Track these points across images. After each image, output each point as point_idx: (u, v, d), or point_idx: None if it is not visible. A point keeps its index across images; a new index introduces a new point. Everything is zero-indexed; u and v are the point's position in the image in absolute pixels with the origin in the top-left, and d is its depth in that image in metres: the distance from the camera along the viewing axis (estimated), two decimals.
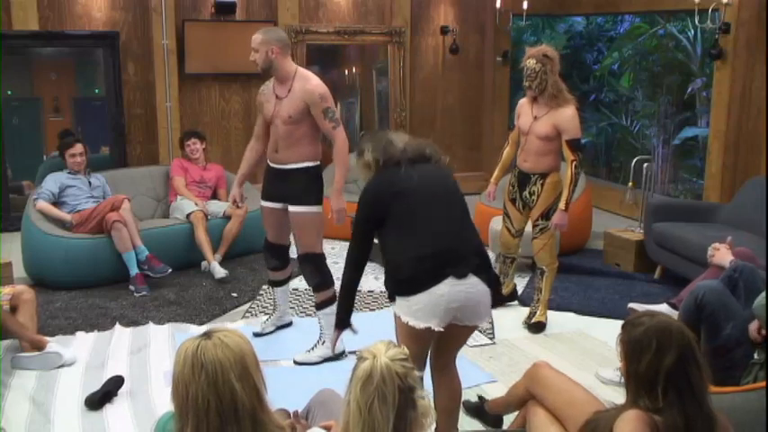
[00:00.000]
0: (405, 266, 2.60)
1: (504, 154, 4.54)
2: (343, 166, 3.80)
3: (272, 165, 3.93)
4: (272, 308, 4.66)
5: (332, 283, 3.93)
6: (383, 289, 5.05)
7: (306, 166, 3.84)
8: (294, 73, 3.82)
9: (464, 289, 2.57)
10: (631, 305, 3.80)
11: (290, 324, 4.40)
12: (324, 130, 3.80)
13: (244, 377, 1.73)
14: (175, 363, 1.77)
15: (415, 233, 2.62)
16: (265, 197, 4.00)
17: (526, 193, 4.27)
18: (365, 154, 2.79)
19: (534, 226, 4.28)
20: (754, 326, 3.01)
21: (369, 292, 5.04)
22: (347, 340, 3.79)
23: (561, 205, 4.12)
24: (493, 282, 2.71)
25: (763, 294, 2.97)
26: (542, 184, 4.19)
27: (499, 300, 2.72)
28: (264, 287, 5.07)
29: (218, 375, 1.71)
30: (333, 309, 3.49)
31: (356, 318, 4.47)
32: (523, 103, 4.29)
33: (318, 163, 3.90)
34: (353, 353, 3.33)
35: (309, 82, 3.78)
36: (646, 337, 1.99)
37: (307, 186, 3.86)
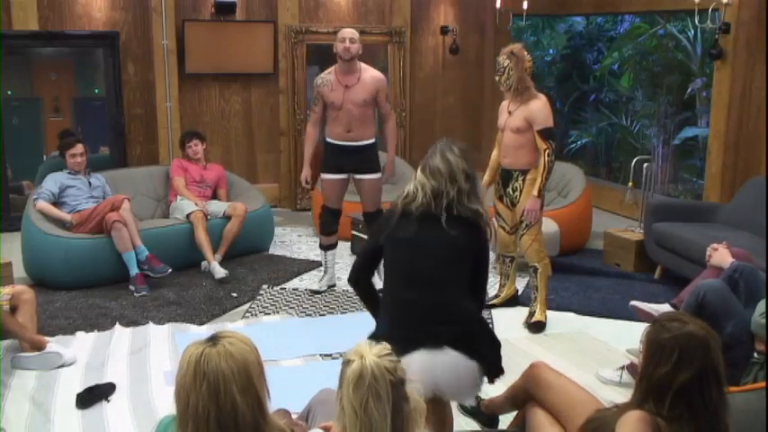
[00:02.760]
0: (381, 325, 2.62)
1: (492, 157, 4.63)
2: (395, 139, 4.94)
3: (340, 143, 4.70)
4: (273, 307, 4.71)
5: None
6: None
7: (374, 141, 4.79)
8: (360, 65, 4.70)
9: (438, 361, 2.45)
10: (633, 303, 3.79)
11: (334, 285, 5.09)
12: (384, 110, 4.81)
13: (246, 388, 1.71)
14: (179, 367, 1.75)
15: (395, 288, 2.61)
16: (332, 171, 4.76)
17: (509, 189, 4.37)
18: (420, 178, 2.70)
19: (520, 222, 4.34)
20: (760, 347, 3.01)
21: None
22: (332, 342, 4.01)
23: (534, 191, 4.20)
24: (483, 353, 2.56)
25: (760, 310, 2.97)
26: (523, 180, 4.30)
27: (496, 371, 2.65)
28: (264, 287, 5.08)
29: (220, 387, 1.69)
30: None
31: (348, 318, 4.53)
32: (503, 104, 4.45)
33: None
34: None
35: (374, 72, 4.77)
36: (669, 345, 1.92)
37: (376, 157, 4.79)
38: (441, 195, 2.62)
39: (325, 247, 5.02)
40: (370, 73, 4.71)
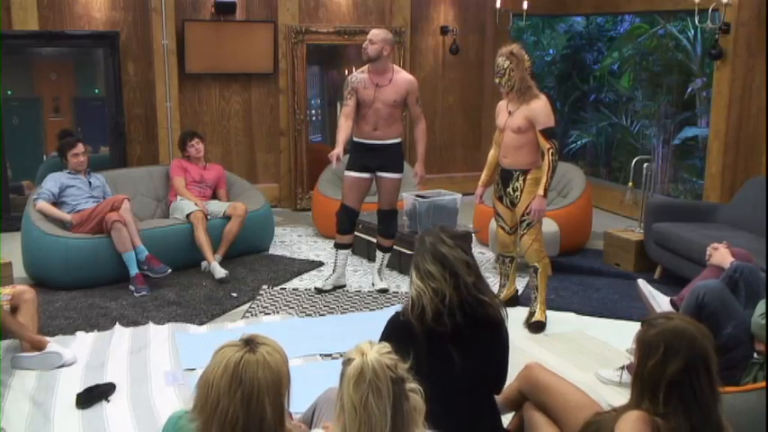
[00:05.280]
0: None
1: (490, 156, 4.63)
2: (425, 141, 4.95)
3: (367, 141, 4.79)
4: (273, 307, 4.71)
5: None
6: (370, 288, 5.04)
7: (400, 140, 4.91)
8: (392, 66, 4.79)
9: None
10: (640, 281, 3.82)
11: (344, 286, 5.08)
12: (414, 113, 4.89)
13: (276, 400, 1.73)
14: (212, 366, 1.74)
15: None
16: (357, 169, 4.83)
17: (509, 189, 4.36)
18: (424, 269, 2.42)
19: (521, 222, 4.34)
20: (759, 348, 3.02)
21: (356, 291, 5.05)
22: (332, 342, 4.03)
23: (539, 191, 4.20)
24: None
25: (760, 311, 2.97)
26: (524, 180, 4.29)
27: None
28: (264, 287, 5.08)
29: (254, 396, 1.69)
30: (388, 255, 5.11)
31: (348, 318, 4.53)
32: (501, 103, 4.45)
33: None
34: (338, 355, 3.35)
35: (406, 74, 4.87)
36: (656, 341, 1.97)
37: (400, 157, 4.90)
38: (445, 298, 2.37)
39: (338, 246, 5.02)
40: (402, 75, 4.81)
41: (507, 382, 2.81)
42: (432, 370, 2.15)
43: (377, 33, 4.69)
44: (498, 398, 2.82)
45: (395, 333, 2.44)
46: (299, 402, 2.61)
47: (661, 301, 3.67)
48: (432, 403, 1.90)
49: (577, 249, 5.96)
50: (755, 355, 3.02)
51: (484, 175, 4.66)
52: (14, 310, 3.82)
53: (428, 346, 2.33)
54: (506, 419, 2.92)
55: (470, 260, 2.46)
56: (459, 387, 2.41)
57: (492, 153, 4.60)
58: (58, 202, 5.20)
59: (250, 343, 1.76)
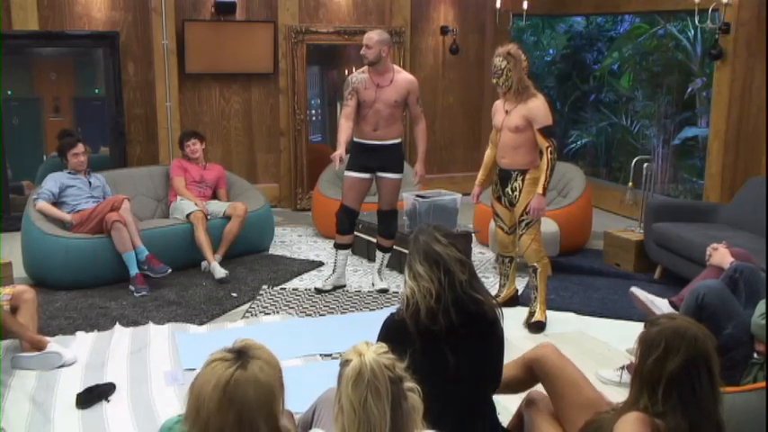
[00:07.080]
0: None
1: (486, 155, 4.63)
2: (426, 141, 4.97)
3: (367, 141, 4.78)
4: (273, 307, 4.71)
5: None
6: (370, 288, 5.04)
7: (400, 141, 4.91)
8: (392, 66, 4.79)
9: None
10: (633, 289, 3.82)
11: (344, 286, 5.07)
12: (415, 112, 4.90)
13: (269, 417, 1.69)
14: (203, 379, 1.68)
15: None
16: (357, 169, 4.82)
17: (508, 189, 4.36)
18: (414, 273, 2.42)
19: (520, 222, 4.34)
20: (759, 348, 3.02)
21: (356, 291, 5.05)
22: (332, 342, 4.03)
23: (539, 189, 4.20)
24: None
25: (760, 311, 2.97)
26: (523, 180, 4.29)
27: None
28: (264, 287, 5.08)
29: (245, 416, 1.65)
30: (388, 255, 5.12)
31: (348, 318, 4.53)
32: (497, 103, 4.45)
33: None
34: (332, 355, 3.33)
35: (407, 74, 4.88)
36: (657, 338, 1.99)
37: (400, 157, 4.91)
38: (439, 297, 2.36)
39: (337, 246, 5.02)
40: (402, 75, 4.82)
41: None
42: (427, 369, 2.14)
43: (371, 37, 4.66)
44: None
45: (391, 333, 2.44)
46: (299, 402, 2.62)
47: (660, 305, 3.67)
48: (429, 402, 1.89)
49: (577, 249, 5.96)
50: (755, 355, 3.02)
51: (480, 175, 4.66)
52: (14, 310, 3.82)
53: (423, 345, 2.33)
54: (505, 419, 2.93)
55: (464, 258, 2.44)
56: (456, 386, 2.40)
57: (488, 153, 4.59)
58: (58, 202, 5.20)
59: (242, 357, 1.69)
